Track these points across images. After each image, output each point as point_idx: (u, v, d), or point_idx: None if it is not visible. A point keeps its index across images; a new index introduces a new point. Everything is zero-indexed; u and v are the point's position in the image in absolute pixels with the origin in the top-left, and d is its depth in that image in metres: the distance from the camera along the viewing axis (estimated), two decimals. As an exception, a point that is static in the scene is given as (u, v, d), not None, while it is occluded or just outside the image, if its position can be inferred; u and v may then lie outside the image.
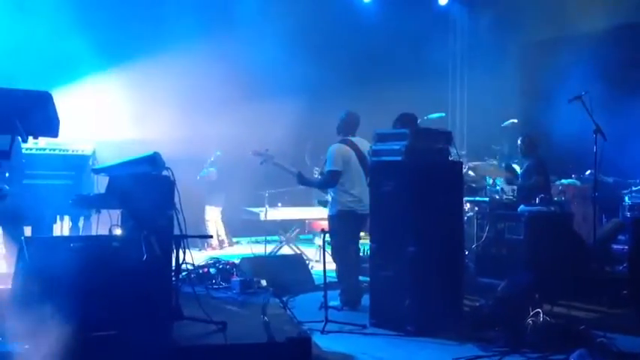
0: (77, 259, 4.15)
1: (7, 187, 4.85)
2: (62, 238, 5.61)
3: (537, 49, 10.77)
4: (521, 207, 6.64)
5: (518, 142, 7.44)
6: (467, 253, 6.48)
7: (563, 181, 8.46)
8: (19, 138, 4.23)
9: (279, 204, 9.70)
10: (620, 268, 6.94)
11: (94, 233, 5.61)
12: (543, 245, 6.25)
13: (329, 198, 6.23)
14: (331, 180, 6.05)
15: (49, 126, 4.26)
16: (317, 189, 6.62)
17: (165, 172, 4.85)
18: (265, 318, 4.98)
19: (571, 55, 9.44)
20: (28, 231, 5.56)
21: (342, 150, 6.09)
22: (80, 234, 5.86)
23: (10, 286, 4.36)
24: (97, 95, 8.42)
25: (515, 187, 7.32)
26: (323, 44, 10.81)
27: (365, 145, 6.15)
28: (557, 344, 4.49)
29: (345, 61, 11.24)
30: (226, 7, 9.91)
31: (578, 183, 8.45)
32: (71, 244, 4.45)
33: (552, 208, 6.61)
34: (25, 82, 6.96)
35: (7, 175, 5.27)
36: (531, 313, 4.79)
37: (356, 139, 6.22)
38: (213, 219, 10.50)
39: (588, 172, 8.08)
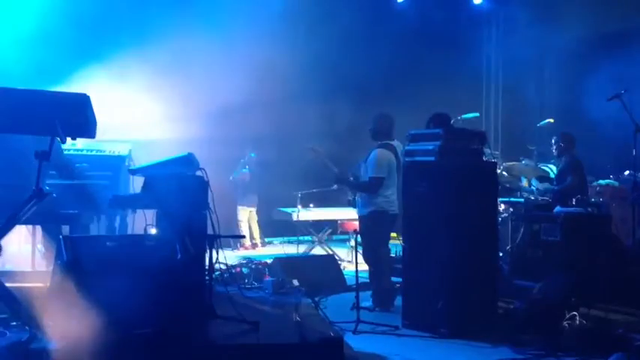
0: (113, 257, 4.23)
1: (48, 187, 4.96)
2: (99, 237, 5.70)
3: (574, 47, 10.57)
4: (557, 208, 6.53)
5: (552, 142, 7.32)
6: (501, 254, 6.40)
7: (601, 181, 8.28)
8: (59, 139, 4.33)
9: (312, 204, 9.71)
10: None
11: (129, 233, 5.70)
12: (580, 247, 6.13)
13: (357, 198, 6.19)
14: (377, 186, 5.93)
15: (87, 127, 4.34)
16: (351, 190, 6.52)
17: (199, 173, 4.92)
18: (297, 318, 4.99)
19: (609, 53, 9.25)
20: (65, 230, 5.67)
21: (387, 156, 6.01)
22: (116, 233, 5.96)
23: (48, 284, 4.47)
24: (132, 96, 8.55)
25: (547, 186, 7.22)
26: (357, 45, 10.78)
27: (401, 148, 6.09)
28: (594, 348, 4.41)
29: (379, 62, 11.19)
30: (264, 7, 9.95)
31: (616, 184, 8.26)
32: (107, 243, 4.54)
33: (589, 209, 6.48)
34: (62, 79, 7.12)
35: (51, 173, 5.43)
36: (567, 316, 4.72)
37: (396, 144, 6.13)
38: (246, 219, 10.58)
39: (627, 172, 7.91)
